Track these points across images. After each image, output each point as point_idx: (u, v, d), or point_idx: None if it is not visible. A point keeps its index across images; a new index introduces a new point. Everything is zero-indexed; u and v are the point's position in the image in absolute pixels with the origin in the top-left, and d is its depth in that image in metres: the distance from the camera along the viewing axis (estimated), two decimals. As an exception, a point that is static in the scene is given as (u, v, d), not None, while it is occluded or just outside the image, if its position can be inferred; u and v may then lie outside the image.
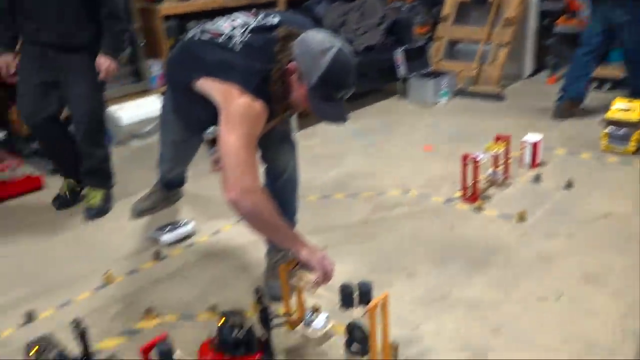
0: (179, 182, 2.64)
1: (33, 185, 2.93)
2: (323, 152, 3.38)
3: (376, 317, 1.51)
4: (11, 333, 1.84)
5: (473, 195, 2.60)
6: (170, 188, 2.64)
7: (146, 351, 1.38)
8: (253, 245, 2.27)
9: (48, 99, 2.49)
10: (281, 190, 1.94)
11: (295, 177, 2.00)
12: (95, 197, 2.67)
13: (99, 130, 2.63)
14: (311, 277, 1.63)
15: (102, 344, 1.75)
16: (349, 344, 1.64)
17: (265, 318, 1.58)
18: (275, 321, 1.63)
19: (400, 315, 1.79)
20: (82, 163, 2.66)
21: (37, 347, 1.50)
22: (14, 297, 2.04)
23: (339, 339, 1.71)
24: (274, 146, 1.91)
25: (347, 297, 1.54)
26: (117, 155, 3.32)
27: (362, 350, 1.61)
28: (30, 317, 1.90)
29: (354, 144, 3.50)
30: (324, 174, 3.05)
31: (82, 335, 1.55)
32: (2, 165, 2.87)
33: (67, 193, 2.67)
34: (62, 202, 2.69)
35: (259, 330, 1.62)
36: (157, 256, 2.25)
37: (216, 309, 1.86)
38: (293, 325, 1.78)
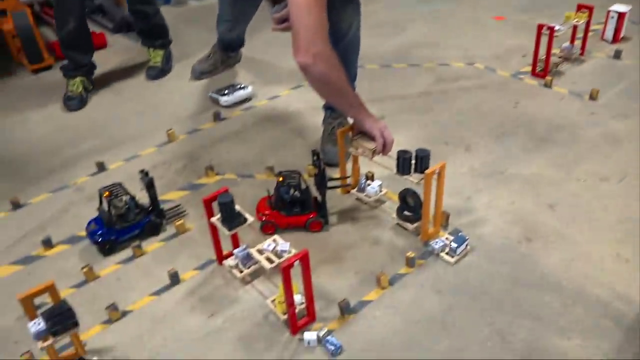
0: (238, 43, 2.61)
1: (98, 42, 2.97)
2: (385, 19, 3.21)
3: (431, 184, 1.51)
4: (85, 180, 1.99)
5: (544, 70, 2.45)
6: (229, 50, 2.62)
7: (208, 202, 1.46)
8: (310, 112, 2.27)
9: None
10: (343, 52, 1.87)
11: (358, 39, 1.92)
12: (156, 57, 2.69)
13: None
14: (369, 145, 1.63)
15: (167, 196, 1.86)
16: (401, 210, 1.68)
17: (321, 180, 1.62)
18: (330, 184, 1.68)
19: (454, 187, 1.80)
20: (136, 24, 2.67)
21: (107, 192, 1.62)
22: (85, 148, 2.17)
23: (391, 205, 1.75)
24: (338, 5, 1.82)
25: (404, 163, 1.54)
26: (175, 15, 3.29)
27: (414, 217, 1.65)
28: (101, 167, 2.02)
29: (417, 12, 3.31)
30: (385, 42, 2.93)
31: (149, 184, 1.65)
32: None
33: (82, 93, 2.46)
34: (80, 101, 2.46)
35: (314, 192, 1.68)
36: (217, 117, 2.30)
37: (273, 170, 1.92)
38: (347, 189, 1.83)
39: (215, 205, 1.46)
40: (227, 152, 2.09)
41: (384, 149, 1.60)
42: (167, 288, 1.52)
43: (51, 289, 1.20)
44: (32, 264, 1.64)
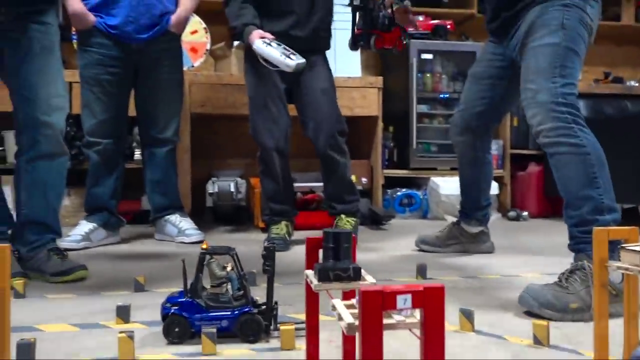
0: (480, 214, 2.01)
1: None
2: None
3: None
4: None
5: None
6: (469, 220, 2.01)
7: (313, 244, 0.82)
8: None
9: (285, 116, 2.15)
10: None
11: None
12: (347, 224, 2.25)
13: (342, 130, 2.20)
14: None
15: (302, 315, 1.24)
16: None
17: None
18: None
19: None
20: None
21: (207, 246, 1.12)
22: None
23: None
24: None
25: None
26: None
27: None
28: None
29: None
30: None
31: (268, 256, 1.09)
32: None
33: (286, 235, 2.18)
34: (284, 243, 2.14)
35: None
36: (421, 272, 1.65)
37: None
38: None
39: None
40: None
41: None
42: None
43: None
44: (90, 329, 1.15)
